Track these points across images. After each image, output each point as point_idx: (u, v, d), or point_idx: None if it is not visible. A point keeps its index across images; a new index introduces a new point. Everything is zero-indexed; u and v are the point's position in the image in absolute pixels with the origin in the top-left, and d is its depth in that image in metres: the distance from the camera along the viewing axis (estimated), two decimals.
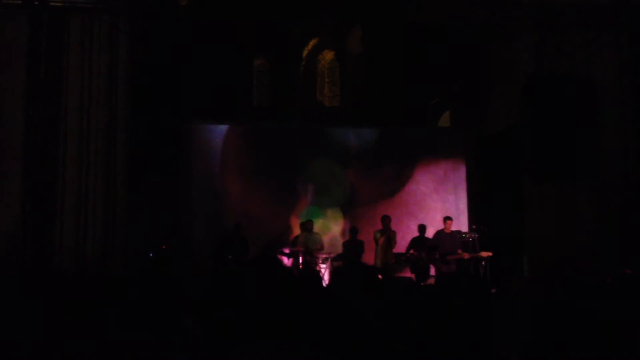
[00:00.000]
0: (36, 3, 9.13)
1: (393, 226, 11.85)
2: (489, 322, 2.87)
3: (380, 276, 2.92)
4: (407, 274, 11.48)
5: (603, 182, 9.87)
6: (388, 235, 11.52)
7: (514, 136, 10.77)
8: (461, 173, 13.73)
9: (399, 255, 11.51)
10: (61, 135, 9.32)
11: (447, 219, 11.56)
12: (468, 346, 2.55)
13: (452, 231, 11.45)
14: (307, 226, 11.99)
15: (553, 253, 10.01)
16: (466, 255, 10.93)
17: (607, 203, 9.84)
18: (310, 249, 11.59)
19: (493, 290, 4.61)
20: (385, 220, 11.61)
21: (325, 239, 12.35)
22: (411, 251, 11.44)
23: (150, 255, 10.60)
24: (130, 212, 10.03)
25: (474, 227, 11.68)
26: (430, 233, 12.67)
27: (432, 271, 11.47)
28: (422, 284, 10.10)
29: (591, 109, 9.95)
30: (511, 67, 11.60)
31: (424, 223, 12.45)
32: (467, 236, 11.43)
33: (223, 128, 13.54)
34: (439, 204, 13.61)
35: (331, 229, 13.02)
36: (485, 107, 13.86)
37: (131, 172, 9.81)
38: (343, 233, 13.01)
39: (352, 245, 11.82)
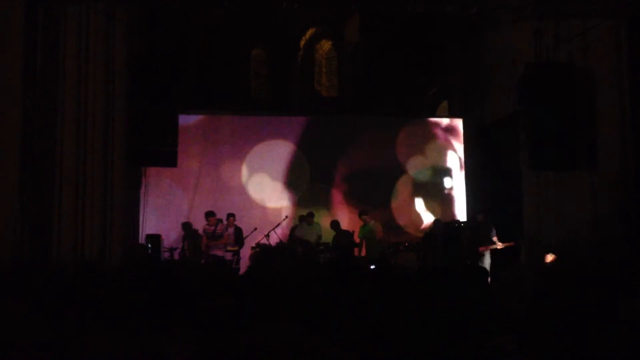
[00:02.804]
0: None
1: (393, 218, 11.97)
2: (487, 310, 2.88)
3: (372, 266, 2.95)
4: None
5: (601, 170, 9.86)
6: (370, 229, 11.63)
7: (512, 125, 10.75)
8: (459, 162, 13.73)
9: (397, 244, 11.54)
10: (59, 125, 9.27)
11: (480, 212, 11.17)
12: (465, 334, 2.56)
13: (486, 222, 10.91)
14: (307, 218, 12.01)
15: (551, 241, 10.03)
16: (499, 245, 10.51)
17: (605, 192, 9.83)
18: (307, 240, 11.65)
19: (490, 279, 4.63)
20: (362, 217, 11.84)
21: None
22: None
23: (149, 246, 10.60)
24: (128, 203, 10.02)
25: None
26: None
27: None
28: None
29: (589, 98, 9.94)
30: (509, 56, 11.57)
31: (424, 214, 12.37)
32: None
33: (221, 118, 13.53)
34: (437, 193, 13.62)
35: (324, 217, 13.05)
36: (483, 96, 13.84)
37: (129, 162, 9.79)
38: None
39: (342, 236, 11.93)
